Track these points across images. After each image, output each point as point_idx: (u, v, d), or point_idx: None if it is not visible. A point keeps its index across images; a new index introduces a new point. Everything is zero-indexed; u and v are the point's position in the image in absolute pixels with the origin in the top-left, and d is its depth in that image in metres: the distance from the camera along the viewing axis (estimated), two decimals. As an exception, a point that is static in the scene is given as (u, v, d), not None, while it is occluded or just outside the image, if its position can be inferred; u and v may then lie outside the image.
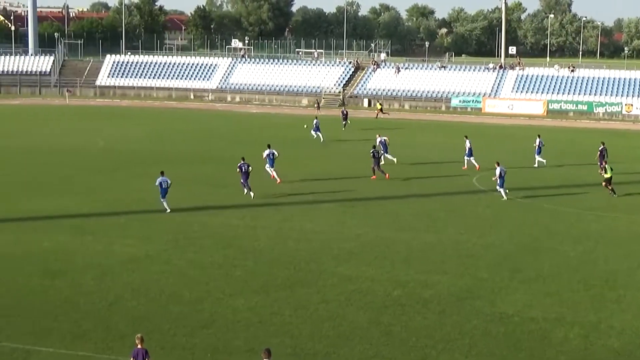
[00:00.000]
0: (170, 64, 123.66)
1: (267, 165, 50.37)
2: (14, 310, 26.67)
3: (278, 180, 49.76)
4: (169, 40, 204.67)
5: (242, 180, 45.84)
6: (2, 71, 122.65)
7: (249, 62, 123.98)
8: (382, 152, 56.60)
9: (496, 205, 45.08)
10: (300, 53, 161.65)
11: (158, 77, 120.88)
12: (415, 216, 41.98)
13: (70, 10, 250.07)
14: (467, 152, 56.88)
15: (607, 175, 47.45)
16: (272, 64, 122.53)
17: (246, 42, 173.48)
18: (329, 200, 45.55)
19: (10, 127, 78.12)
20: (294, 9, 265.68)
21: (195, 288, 29.45)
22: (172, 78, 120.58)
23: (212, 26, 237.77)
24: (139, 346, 20.87)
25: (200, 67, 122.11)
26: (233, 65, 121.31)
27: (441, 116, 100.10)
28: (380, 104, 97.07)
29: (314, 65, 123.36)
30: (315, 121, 71.87)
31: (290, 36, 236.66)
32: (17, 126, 78.89)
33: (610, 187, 47.39)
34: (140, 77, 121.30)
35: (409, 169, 56.18)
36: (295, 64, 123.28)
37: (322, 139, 69.82)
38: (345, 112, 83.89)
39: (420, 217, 41.84)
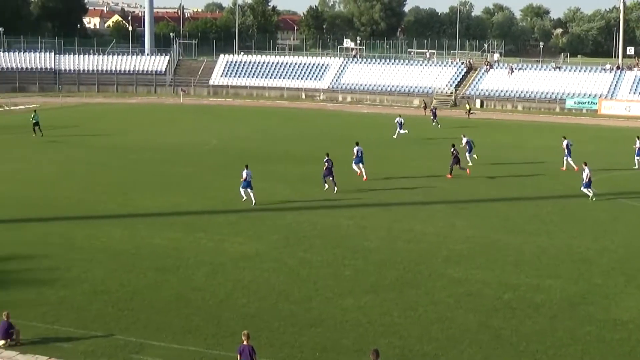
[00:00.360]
0: (282, 63, 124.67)
1: (355, 162, 51.59)
2: (127, 304, 27.24)
3: (364, 177, 50.43)
4: (282, 40, 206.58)
5: (325, 175, 47.15)
6: (120, 70, 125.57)
7: (360, 62, 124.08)
8: (467, 151, 56.20)
9: (610, 209, 44.04)
10: (412, 53, 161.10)
11: (270, 77, 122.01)
12: (526, 219, 41.28)
13: (185, 10, 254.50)
14: (566, 152, 55.86)
15: None
16: (383, 64, 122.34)
17: (358, 42, 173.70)
18: (438, 202, 45.20)
19: (126, 125, 79.85)
20: (406, 9, 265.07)
21: (304, 287, 29.58)
22: (284, 78, 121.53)
23: (324, 26, 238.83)
24: (245, 343, 21.19)
25: (312, 67, 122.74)
26: (345, 65, 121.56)
27: (555, 118, 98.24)
28: (469, 105, 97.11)
29: (425, 65, 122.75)
30: (398, 119, 72.64)
31: (402, 36, 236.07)
32: (133, 124, 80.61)
33: None
34: (252, 77, 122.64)
35: (519, 170, 55.36)
36: (406, 64, 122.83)
37: (395, 137, 71.39)
38: (434, 110, 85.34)
39: (531, 220, 41.12)
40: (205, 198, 44.85)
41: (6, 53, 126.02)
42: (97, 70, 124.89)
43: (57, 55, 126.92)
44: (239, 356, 21.33)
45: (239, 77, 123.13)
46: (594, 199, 45.48)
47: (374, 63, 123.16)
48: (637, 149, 57.57)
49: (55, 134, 70.74)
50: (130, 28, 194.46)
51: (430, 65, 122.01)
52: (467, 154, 56.27)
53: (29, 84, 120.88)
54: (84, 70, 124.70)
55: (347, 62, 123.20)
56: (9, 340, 23.52)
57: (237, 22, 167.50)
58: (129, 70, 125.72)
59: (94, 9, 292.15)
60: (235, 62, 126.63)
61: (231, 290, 29.06)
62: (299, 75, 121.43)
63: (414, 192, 47.82)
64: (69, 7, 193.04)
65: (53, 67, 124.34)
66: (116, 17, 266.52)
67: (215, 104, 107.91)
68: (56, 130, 73.01)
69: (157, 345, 23.94)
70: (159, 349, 23.66)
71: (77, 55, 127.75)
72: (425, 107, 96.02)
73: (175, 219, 39.88)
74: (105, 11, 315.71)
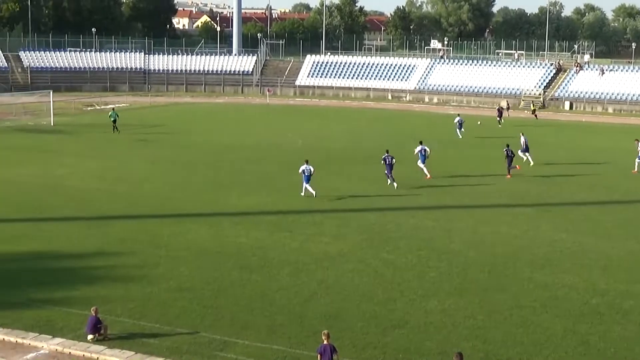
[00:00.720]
0: (368, 64, 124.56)
1: (419, 161, 52.07)
2: (212, 302, 27.51)
3: (428, 176, 50.78)
4: (368, 40, 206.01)
5: (386, 172, 48.58)
6: (207, 70, 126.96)
7: (447, 63, 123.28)
8: (522, 150, 56.47)
9: None
10: (500, 54, 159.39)
11: (356, 78, 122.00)
12: (615, 223, 40.46)
13: (272, 11, 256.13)
14: (639, 155, 55.12)
15: None
16: (471, 65, 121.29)
17: (445, 42, 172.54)
18: (523, 204, 44.63)
19: (213, 124, 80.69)
20: (495, 9, 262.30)
21: (388, 288, 29.49)
22: (370, 78, 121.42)
23: (411, 27, 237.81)
24: (325, 342, 21.21)
25: (399, 67, 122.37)
26: (432, 66, 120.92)
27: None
28: (534, 106, 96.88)
29: (513, 66, 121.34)
30: (458, 119, 72.66)
31: (490, 37, 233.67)
32: (220, 124, 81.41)
33: None
34: (339, 77, 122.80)
35: (606, 172, 54.37)
36: (494, 65, 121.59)
37: (460, 136, 71.40)
38: (502, 109, 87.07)
39: (620, 224, 40.29)
40: (291, 198, 45.02)
41: (98, 53, 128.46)
42: (185, 70, 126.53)
43: (147, 55, 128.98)
44: (319, 356, 21.34)
45: (325, 77, 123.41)
46: None
47: (461, 64, 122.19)
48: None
49: (144, 132, 71.87)
50: (218, 28, 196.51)
51: (519, 67, 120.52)
52: (520, 152, 55.94)
53: (119, 83, 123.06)
54: (172, 70, 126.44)
55: (434, 63, 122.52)
56: (97, 334, 23.96)
57: (324, 23, 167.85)
58: (217, 70, 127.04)
59: (183, 9, 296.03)
60: (322, 62, 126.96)
61: (315, 290, 29.13)
62: (385, 76, 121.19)
63: (499, 194, 47.32)
64: (158, 8, 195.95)
65: (142, 67, 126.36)
66: (205, 18, 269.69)
67: (301, 104, 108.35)
68: (145, 129, 74.18)
69: (241, 343, 24.12)
70: (242, 347, 23.83)
71: (166, 56, 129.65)
72: (507, 109, 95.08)
73: (260, 218, 40.14)
74: (194, 12, 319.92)
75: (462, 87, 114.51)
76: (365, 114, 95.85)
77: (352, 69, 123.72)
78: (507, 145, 53.13)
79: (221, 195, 45.35)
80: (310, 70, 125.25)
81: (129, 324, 25.35)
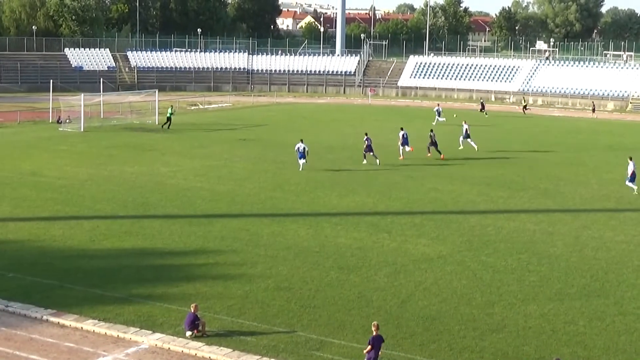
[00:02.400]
0: (472, 65, 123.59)
1: (399, 143, 58.86)
2: (310, 302, 27.60)
3: (401, 157, 56.73)
4: (472, 41, 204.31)
5: (365, 151, 55.63)
6: (310, 71, 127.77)
7: (553, 65, 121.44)
8: (463, 136, 63.00)
9: None
10: (607, 55, 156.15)
11: (459, 79, 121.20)
12: None
13: (376, 11, 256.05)
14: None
15: None
16: (577, 66, 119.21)
17: (551, 43, 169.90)
18: (631, 209, 43.64)
19: (315, 124, 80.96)
20: (604, 9, 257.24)
21: (486, 291, 29.17)
22: (473, 79, 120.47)
23: (516, 27, 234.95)
24: (375, 333, 21.95)
25: (503, 69, 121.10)
26: (536, 68, 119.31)
27: None
28: (525, 101, 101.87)
29: (622, 68, 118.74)
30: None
31: (597, 38, 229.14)
32: (322, 124, 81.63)
33: None
34: (441, 78, 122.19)
35: None
36: (601, 67, 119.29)
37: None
38: (483, 102, 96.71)
39: None
40: (390, 199, 44.93)
41: (203, 53, 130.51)
42: (288, 71, 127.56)
43: (250, 55, 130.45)
44: (369, 347, 21.78)
45: (428, 78, 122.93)
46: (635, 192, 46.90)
47: (567, 65, 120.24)
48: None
49: (247, 132, 72.59)
50: (321, 29, 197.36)
51: (627, 68, 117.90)
52: (461, 138, 63.29)
53: (223, 83, 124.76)
54: (275, 71, 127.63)
55: (539, 64, 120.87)
56: (195, 331, 24.27)
57: (427, 23, 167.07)
58: (319, 71, 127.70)
59: (287, 10, 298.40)
60: (425, 63, 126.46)
61: (412, 291, 28.99)
62: (488, 77, 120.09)
63: (606, 198, 46.37)
64: (263, 8, 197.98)
65: (246, 67, 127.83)
66: (309, 18, 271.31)
67: (403, 105, 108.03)
68: (247, 128, 74.96)
69: (337, 343, 24.14)
70: (339, 347, 23.85)
71: (269, 56, 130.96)
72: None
73: (359, 218, 40.13)
74: (298, 12, 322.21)
75: (567, 89, 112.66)
76: (468, 116, 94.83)
77: (455, 70, 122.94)
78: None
79: (321, 196, 45.49)
80: (413, 71, 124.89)
81: (227, 322, 25.62)
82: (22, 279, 29.45)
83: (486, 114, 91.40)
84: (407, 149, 58.59)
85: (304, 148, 52.69)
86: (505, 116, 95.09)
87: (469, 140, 62.98)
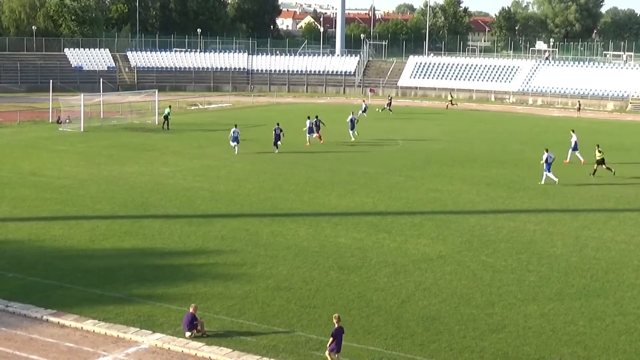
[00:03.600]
0: (472, 65, 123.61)
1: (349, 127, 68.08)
2: (310, 302, 27.59)
3: (352, 139, 61.73)
4: (472, 41, 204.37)
5: (275, 141, 60.71)
6: (310, 71, 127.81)
7: (552, 65, 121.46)
8: (351, 124, 69.07)
9: None
10: (607, 55, 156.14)
11: (459, 79, 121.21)
12: None
13: (376, 12, 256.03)
14: (572, 146, 58.40)
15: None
16: (577, 66, 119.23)
17: (551, 43, 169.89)
18: (630, 209, 43.65)
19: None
20: (603, 9, 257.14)
21: (486, 291, 29.17)
22: (473, 80, 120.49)
23: (516, 28, 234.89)
24: (337, 325, 22.48)
25: (502, 69, 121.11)
26: (536, 68, 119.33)
27: None
28: (451, 96, 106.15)
29: (622, 68, 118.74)
30: (364, 106, 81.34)
31: (597, 38, 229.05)
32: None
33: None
34: (441, 78, 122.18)
35: None
36: (601, 67, 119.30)
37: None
38: (391, 98, 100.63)
39: None
40: (390, 199, 44.94)
41: (202, 53, 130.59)
42: (288, 71, 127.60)
43: (250, 55, 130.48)
44: (332, 339, 22.38)
45: (427, 78, 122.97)
46: (556, 181, 49.42)
47: (567, 65, 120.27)
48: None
49: (246, 132, 72.52)
50: (321, 29, 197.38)
51: (627, 68, 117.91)
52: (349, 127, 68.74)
53: (223, 83, 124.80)
54: (275, 71, 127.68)
55: (538, 64, 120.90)
56: (194, 331, 24.27)
57: (427, 24, 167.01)
58: (319, 71, 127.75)
59: (287, 10, 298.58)
60: (425, 63, 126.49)
61: (412, 291, 28.99)
62: (488, 77, 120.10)
63: (605, 198, 46.38)
64: (263, 8, 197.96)
65: (246, 67, 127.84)
66: (308, 19, 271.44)
67: (402, 105, 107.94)
68: (247, 128, 74.86)
69: (337, 343, 24.13)
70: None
71: (269, 56, 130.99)
72: (579, 109, 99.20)
73: (359, 218, 40.13)
74: (298, 12, 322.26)
75: (567, 89, 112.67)
76: (468, 116, 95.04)
77: (455, 70, 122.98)
78: (309, 117, 66.28)
79: (321, 195, 45.49)
80: (412, 71, 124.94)
81: (227, 322, 25.62)
82: (22, 279, 29.45)
83: (390, 110, 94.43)
84: (314, 135, 65.53)
85: (238, 132, 59.90)
86: (505, 117, 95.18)
87: (352, 131, 69.05)
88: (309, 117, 66.89)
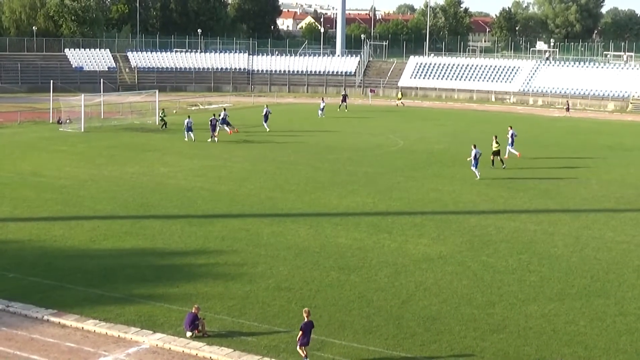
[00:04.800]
0: (472, 66, 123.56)
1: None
2: (311, 302, 27.54)
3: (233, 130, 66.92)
4: (472, 42, 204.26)
5: (211, 131, 66.42)
6: (310, 71, 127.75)
7: (553, 65, 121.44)
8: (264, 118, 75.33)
9: None
10: (608, 56, 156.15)
11: (460, 79, 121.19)
12: None
13: (377, 12, 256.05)
14: (509, 141, 60.13)
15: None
16: (577, 66, 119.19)
17: (551, 44, 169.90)
18: (631, 209, 43.65)
19: (314, 125, 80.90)
20: (604, 10, 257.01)
21: (487, 291, 29.17)
22: (473, 80, 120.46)
23: (516, 28, 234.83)
24: (307, 319, 22.83)
25: (503, 69, 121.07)
26: (537, 68, 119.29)
27: None
28: (401, 94, 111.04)
29: (622, 68, 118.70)
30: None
31: (598, 38, 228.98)
32: (321, 124, 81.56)
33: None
34: (442, 79, 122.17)
35: None
36: (602, 67, 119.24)
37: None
38: (345, 95, 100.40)
39: None
40: (391, 199, 44.94)
41: (203, 54, 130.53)
42: (289, 71, 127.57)
43: (251, 56, 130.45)
44: (301, 332, 22.64)
45: (428, 78, 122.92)
46: (477, 178, 50.63)
47: (567, 66, 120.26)
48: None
49: (246, 132, 72.55)
50: (322, 29, 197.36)
51: (628, 69, 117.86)
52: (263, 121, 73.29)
53: (223, 83, 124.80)
54: (275, 71, 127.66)
55: (539, 65, 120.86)
56: (195, 331, 24.27)
57: (428, 24, 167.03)
58: (320, 71, 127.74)
59: (288, 10, 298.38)
60: (425, 63, 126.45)
61: (413, 291, 28.99)
62: (489, 78, 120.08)
63: (606, 198, 46.38)
64: (263, 9, 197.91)
65: (246, 67, 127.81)
66: (309, 19, 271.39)
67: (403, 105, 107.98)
68: (247, 129, 74.89)
69: (338, 343, 24.14)
70: (339, 347, 23.85)
71: (269, 56, 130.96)
72: (567, 109, 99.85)
73: (360, 219, 40.13)
74: (298, 13, 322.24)
75: (567, 89, 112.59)
76: (468, 116, 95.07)
77: (455, 71, 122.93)
78: (213, 115, 69.54)
79: (321, 196, 45.49)
80: (413, 72, 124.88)
81: (228, 322, 25.62)
82: (22, 279, 29.46)
83: (346, 108, 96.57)
84: (227, 129, 70.60)
85: (191, 122, 66.35)
86: (505, 117, 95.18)
87: (265, 123, 75.02)
88: (213, 115, 70.74)
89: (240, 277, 30.22)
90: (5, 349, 23.39)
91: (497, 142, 54.84)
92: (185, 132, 66.41)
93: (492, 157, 54.76)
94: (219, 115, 71.14)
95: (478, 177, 50.74)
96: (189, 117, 67.41)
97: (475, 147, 51.58)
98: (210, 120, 67.62)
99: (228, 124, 71.25)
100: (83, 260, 32.16)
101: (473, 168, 51.23)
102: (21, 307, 26.39)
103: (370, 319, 26.14)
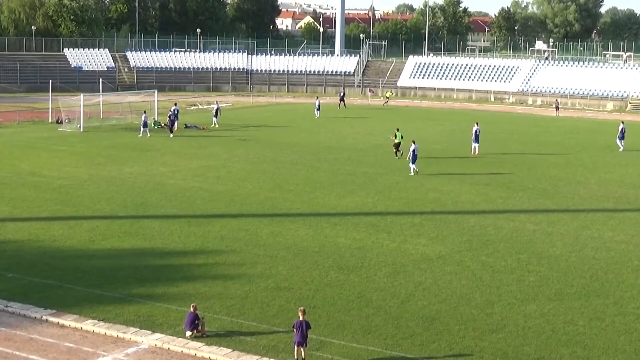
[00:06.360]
0: (471, 65, 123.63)
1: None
2: (309, 302, 27.54)
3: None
4: (472, 41, 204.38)
5: (169, 125, 70.35)
6: (310, 71, 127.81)
7: (552, 65, 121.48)
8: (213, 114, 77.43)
9: None
10: (607, 56, 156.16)
11: (459, 79, 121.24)
12: None
13: (376, 12, 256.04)
14: (473, 137, 62.21)
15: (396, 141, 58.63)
16: (576, 66, 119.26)
17: (550, 44, 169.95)
18: (630, 209, 43.66)
19: (314, 124, 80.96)
20: (603, 9, 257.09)
21: (486, 291, 29.16)
22: (472, 80, 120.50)
23: (515, 28, 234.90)
24: (301, 318, 22.75)
25: (502, 69, 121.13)
26: (536, 68, 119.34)
27: None
28: (390, 93, 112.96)
29: (622, 68, 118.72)
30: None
31: (597, 38, 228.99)
32: (321, 124, 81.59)
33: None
34: (441, 79, 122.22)
35: None
36: (601, 67, 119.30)
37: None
38: (343, 95, 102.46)
39: None
40: (390, 199, 44.93)
41: (202, 53, 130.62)
42: (288, 71, 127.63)
43: (250, 55, 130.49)
44: (294, 330, 22.64)
45: (427, 78, 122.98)
46: (412, 174, 51.92)
47: (566, 65, 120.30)
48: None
49: (246, 132, 72.57)
50: (321, 29, 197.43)
51: (627, 69, 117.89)
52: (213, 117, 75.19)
53: (222, 83, 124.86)
54: (274, 71, 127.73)
55: (538, 64, 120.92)
56: (195, 331, 24.27)
57: (427, 24, 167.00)
58: (319, 71, 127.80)
59: (287, 10, 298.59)
60: (424, 63, 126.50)
61: (412, 291, 28.98)
62: (488, 78, 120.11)
63: (604, 198, 46.38)
64: (262, 9, 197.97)
65: (245, 67, 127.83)
66: (308, 19, 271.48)
67: (402, 105, 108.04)
68: (246, 128, 74.93)
69: (337, 343, 24.12)
70: (338, 347, 23.84)
71: (268, 56, 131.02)
72: (557, 108, 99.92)
73: (359, 219, 40.12)
74: (297, 13, 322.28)
75: (566, 89, 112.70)
76: (467, 116, 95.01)
77: (454, 70, 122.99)
78: (170, 110, 72.61)
79: (320, 196, 45.48)
80: (412, 71, 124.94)
81: (227, 322, 25.61)
82: (21, 279, 29.44)
83: (345, 106, 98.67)
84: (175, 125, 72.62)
85: (147, 117, 69.22)
86: (504, 117, 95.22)
87: (214, 119, 77.33)
88: (170, 109, 73.64)
89: (239, 277, 30.21)
90: (4, 349, 23.38)
91: (400, 135, 58.98)
92: (141, 128, 68.84)
93: (394, 150, 58.87)
94: (170, 110, 73.23)
95: (412, 172, 52.00)
96: (144, 112, 70.09)
97: (414, 142, 52.93)
98: (169, 116, 71.41)
99: (174, 122, 72.23)
100: (82, 260, 32.15)
101: (411, 164, 52.42)
102: (20, 307, 26.38)
103: (369, 318, 26.13)
